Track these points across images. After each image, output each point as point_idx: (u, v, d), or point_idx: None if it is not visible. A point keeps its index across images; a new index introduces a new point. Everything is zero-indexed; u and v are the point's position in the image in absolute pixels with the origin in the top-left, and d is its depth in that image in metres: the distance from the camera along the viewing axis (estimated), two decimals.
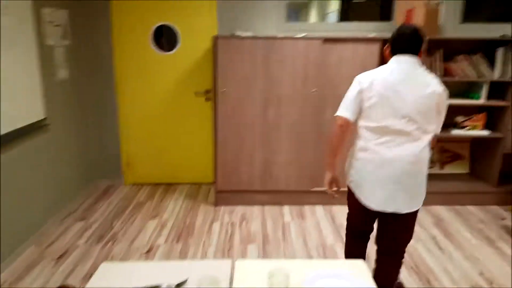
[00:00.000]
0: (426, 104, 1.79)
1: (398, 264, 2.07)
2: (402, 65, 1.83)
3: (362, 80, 1.88)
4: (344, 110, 1.90)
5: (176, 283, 1.28)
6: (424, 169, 1.89)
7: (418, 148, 1.82)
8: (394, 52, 1.87)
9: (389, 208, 1.87)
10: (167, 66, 3.77)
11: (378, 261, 2.10)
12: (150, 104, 3.87)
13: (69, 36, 3.40)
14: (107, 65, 3.75)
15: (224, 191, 3.52)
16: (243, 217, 3.35)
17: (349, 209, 2.18)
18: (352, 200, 2.05)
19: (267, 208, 3.53)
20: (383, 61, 3.39)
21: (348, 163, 2.05)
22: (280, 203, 3.57)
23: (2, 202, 2.57)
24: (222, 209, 3.51)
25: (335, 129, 1.93)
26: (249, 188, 3.50)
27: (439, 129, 1.95)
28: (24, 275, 2.53)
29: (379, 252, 2.10)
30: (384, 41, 3.36)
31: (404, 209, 1.87)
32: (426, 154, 1.87)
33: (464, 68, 3.33)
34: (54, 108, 3.20)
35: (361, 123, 1.92)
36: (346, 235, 2.29)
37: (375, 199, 1.90)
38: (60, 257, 2.75)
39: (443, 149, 3.86)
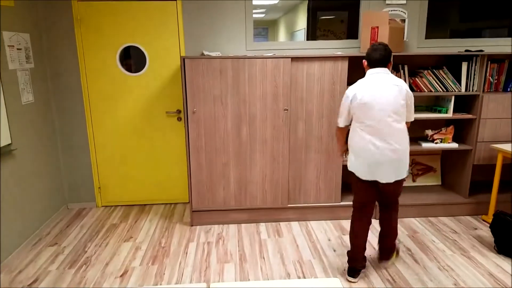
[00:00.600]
0: (397, 100, 2.35)
1: (395, 211, 2.70)
2: (376, 75, 2.41)
3: (348, 93, 2.45)
4: (339, 121, 2.56)
5: None
6: (403, 148, 2.41)
7: (396, 135, 2.38)
8: (370, 65, 2.45)
9: (383, 180, 2.46)
10: (136, 87, 3.76)
11: (380, 212, 2.74)
12: (121, 125, 3.84)
13: (32, 60, 3.36)
14: (74, 87, 3.70)
15: (200, 211, 3.49)
16: (220, 236, 3.32)
17: (353, 188, 2.62)
18: (355, 180, 2.57)
19: (244, 226, 3.51)
20: (352, 76, 3.48)
21: (349, 153, 2.58)
22: (256, 221, 3.56)
23: None
24: (198, 228, 3.47)
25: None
26: (225, 206, 3.49)
27: (413, 117, 2.55)
28: None
29: (380, 206, 2.73)
30: (350, 58, 3.46)
31: (393, 179, 2.46)
32: (403, 137, 2.42)
33: (429, 83, 3.45)
34: (20, 132, 3.14)
35: (353, 123, 2.49)
36: (352, 213, 2.68)
37: (371, 176, 2.48)
38: (31, 284, 2.65)
39: (414, 162, 3.96)
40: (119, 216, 3.79)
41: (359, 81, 2.43)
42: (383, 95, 2.33)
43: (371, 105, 2.35)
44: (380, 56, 2.38)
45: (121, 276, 2.74)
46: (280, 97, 3.27)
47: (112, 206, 4.03)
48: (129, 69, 3.73)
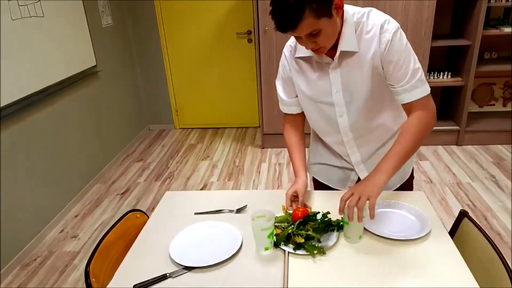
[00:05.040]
0: None
1: None
2: None
3: None
4: None
5: (236, 208, 1.34)
6: None
7: None
8: None
9: None
10: (207, 8, 3.70)
11: None
12: (193, 48, 3.88)
13: None
14: (148, 9, 3.75)
15: (270, 134, 3.54)
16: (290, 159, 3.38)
17: None
18: None
19: None
20: (438, 17, 3.07)
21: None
22: None
23: (67, 144, 2.78)
24: (269, 151, 3.56)
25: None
26: None
27: None
28: (94, 207, 2.79)
29: None
30: None
31: None
32: None
33: None
34: (103, 55, 3.30)
35: None
36: None
37: None
38: (124, 192, 2.98)
39: (507, 85, 3.56)
40: (196, 137, 4.00)
41: None
42: None
43: None
44: None
45: (201, 189, 2.96)
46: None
47: (188, 128, 4.25)
48: None
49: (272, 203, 1.38)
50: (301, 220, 1.11)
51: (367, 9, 1.17)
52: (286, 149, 3.49)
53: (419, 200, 1.39)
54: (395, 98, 1.21)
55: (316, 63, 1.23)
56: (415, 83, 1.14)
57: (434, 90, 3.67)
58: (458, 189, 2.75)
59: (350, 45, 1.15)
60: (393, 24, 1.13)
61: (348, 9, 1.15)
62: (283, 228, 1.11)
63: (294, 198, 1.30)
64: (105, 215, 2.69)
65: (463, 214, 1.31)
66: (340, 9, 1.09)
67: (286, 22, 1.03)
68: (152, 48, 3.89)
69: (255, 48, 3.48)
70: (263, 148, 3.61)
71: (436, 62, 3.52)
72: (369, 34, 1.14)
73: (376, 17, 1.14)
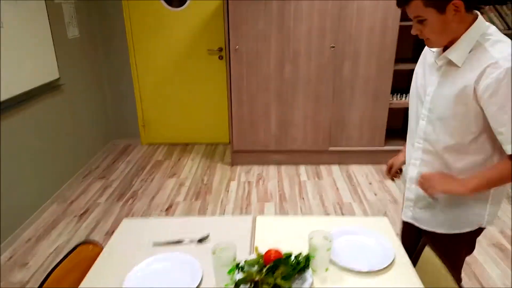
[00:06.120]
0: None
1: None
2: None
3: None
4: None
5: (198, 238, 1.29)
6: None
7: None
8: (471, 7, 1.11)
9: None
10: (178, 23, 3.66)
11: None
12: (163, 62, 3.81)
13: None
14: (117, 22, 3.66)
15: (240, 151, 3.51)
16: (260, 176, 3.35)
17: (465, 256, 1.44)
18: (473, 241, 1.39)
19: (283, 167, 3.52)
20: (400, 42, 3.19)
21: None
22: (296, 163, 3.55)
23: (22, 162, 2.62)
24: (239, 168, 3.52)
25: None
26: (265, 148, 3.48)
27: None
28: (49, 230, 2.63)
29: None
30: None
31: None
32: None
33: (489, 20, 3.13)
34: (67, 67, 3.17)
35: (489, 140, 1.21)
36: None
37: None
38: (83, 214, 2.83)
39: None
40: (163, 154, 3.90)
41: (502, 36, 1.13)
42: None
43: None
44: None
45: (166, 210, 2.86)
46: (327, 33, 3.08)
47: (156, 144, 4.14)
48: (170, 3, 3.61)
49: (237, 231, 1.34)
50: (271, 264, 1.04)
51: (501, 37, 1.10)
52: (255, 166, 3.48)
53: (382, 226, 1.39)
54: (503, 147, 1.11)
55: (434, 62, 1.25)
56: None
57: (398, 111, 3.79)
58: None
59: (456, 56, 1.13)
60: (509, 64, 1.03)
61: (483, 27, 1.11)
62: (252, 277, 1.01)
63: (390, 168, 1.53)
64: (61, 239, 2.53)
65: (424, 243, 1.31)
66: (458, 12, 1.06)
67: None
68: (120, 61, 3.79)
69: (226, 65, 3.47)
70: (233, 165, 3.57)
71: (399, 84, 3.63)
72: (479, 60, 1.08)
73: (499, 49, 1.06)
